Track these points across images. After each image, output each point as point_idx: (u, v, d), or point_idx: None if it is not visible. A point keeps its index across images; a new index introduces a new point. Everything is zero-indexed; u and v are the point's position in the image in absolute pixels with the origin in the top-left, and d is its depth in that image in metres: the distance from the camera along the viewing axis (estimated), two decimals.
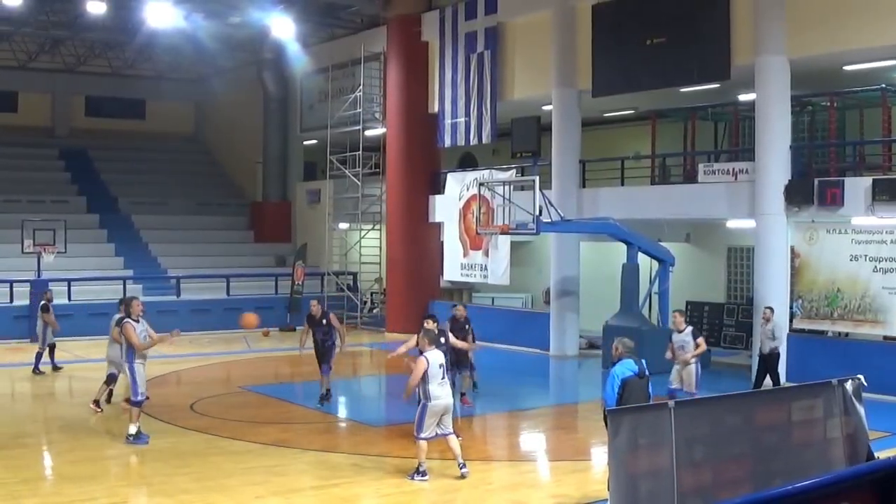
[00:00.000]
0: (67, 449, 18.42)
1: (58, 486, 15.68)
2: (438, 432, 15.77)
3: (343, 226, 42.07)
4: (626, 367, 13.70)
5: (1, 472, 16.19)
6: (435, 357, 15.84)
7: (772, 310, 23.08)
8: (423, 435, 15.61)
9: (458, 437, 16.24)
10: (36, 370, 27.49)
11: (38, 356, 27.54)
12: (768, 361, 22.56)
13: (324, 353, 22.72)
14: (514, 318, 34.57)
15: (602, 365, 27.98)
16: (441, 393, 15.65)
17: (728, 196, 27.16)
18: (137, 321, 18.52)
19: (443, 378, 15.74)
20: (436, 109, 36.01)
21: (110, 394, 22.16)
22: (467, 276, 34.73)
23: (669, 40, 27.89)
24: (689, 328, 20.23)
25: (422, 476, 15.61)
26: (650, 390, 13.94)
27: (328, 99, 42.00)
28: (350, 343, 35.32)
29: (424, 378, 15.56)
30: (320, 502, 14.90)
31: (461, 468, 15.79)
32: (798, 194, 24.98)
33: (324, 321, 22.71)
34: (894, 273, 23.73)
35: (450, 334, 19.75)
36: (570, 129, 31.37)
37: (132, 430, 18.30)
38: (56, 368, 28.00)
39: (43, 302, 28.30)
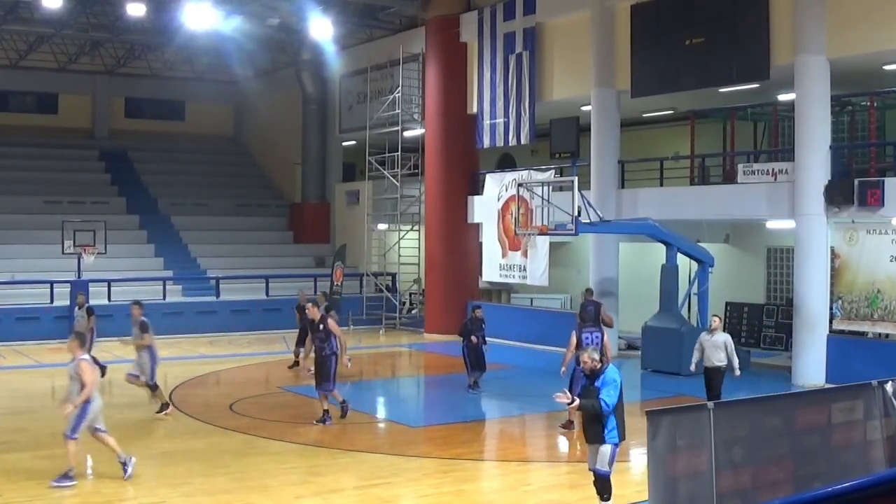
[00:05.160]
0: (107, 448, 18.50)
1: (97, 486, 15.76)
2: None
3: (382, 226, 42.12)
4: (618, 373, 13.47)
5: (43, 471, 16.29)
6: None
7: (717, 317, 21.30)
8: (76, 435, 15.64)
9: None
10: None
11: None
12: (713, 376, 20.03)
13: (320, 365, 20.49)
14: (553, 318, 34.42)
15: (641, 366, 27.95)
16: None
17: (768, 196, 27.03)
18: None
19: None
20: (474, 110, 35.99)
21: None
22: (506, 276, 34.71)
23: (708, 40, 27.79)
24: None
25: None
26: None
27: (367, 100, 42.11)
28: (389, 344, 35.59)
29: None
30: (359, 503, 14.93)
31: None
32: (838, 195, 24.83)
33: (321, 326, 20.48)
34: None
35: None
36: (608, 129, 31.29)
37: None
38: None
39: None
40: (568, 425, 19.42)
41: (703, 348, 20.13)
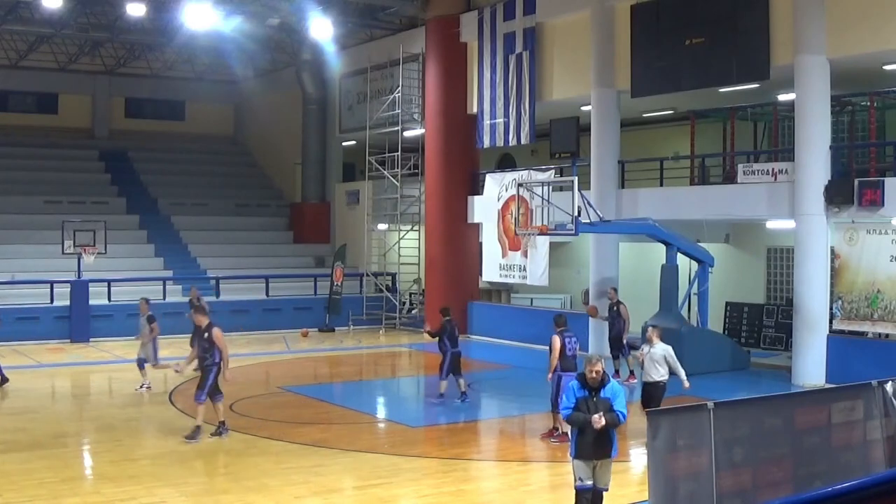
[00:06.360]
0: (107, 449, 18.53)
1: (97, 486, 15.78)
2: None
3: (382, 227, 42.10)
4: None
5: (42, 471, 16.31)
6: None
7: (655, 328, 19.59)
8: None
9: None
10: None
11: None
12: (653, 393, 18.69)
13: (201, 375, 19.39)
14: (553, 319, 34.43)
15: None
16: None
17: (768, 196, 27.02)
18: None
19: None
20: (474, 110, 35.97)
21: None
22: (506, 276, 34.68)
23: (708, 40, 27.77)
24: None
25: None
26: None
27: (367, 100, 42.08)
28: (389, 344, 35.57)
29: None
30: (359, 503, 14.94)
31: None
32: (838, 194, 24.82)
33: (206, 334, 19.26)
34: None
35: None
36: (608, 129, 31.27)
37: None
38: None
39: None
40: (552, 433, 18.91)
41: (642, 362, 18.84)
